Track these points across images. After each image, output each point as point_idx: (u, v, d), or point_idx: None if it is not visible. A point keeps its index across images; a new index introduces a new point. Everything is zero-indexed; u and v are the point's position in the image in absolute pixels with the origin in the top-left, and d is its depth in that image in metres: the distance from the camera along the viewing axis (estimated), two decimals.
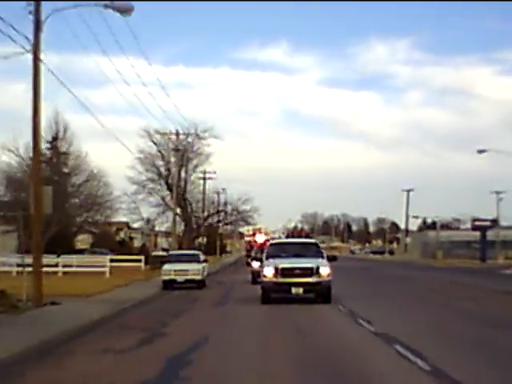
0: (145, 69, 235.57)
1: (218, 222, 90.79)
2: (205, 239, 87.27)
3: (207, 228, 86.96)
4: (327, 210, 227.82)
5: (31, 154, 25.47)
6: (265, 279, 23.17)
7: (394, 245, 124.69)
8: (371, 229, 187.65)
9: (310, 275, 22.76)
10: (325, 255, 24.76)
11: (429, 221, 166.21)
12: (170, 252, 39.99)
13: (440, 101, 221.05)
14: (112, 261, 45.42)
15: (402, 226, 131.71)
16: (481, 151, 56.19)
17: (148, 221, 79.64)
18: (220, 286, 34.96)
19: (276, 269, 22.91)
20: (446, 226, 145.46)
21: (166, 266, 32.88)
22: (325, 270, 23.00)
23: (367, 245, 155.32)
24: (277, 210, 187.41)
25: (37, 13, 20.05)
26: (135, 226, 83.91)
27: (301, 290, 22.83)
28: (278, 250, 25.33)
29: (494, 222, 73.52)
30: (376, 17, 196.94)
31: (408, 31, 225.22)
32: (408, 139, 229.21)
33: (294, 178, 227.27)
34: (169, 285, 31.89)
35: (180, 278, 32.20)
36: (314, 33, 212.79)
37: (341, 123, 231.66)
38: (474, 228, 77.65)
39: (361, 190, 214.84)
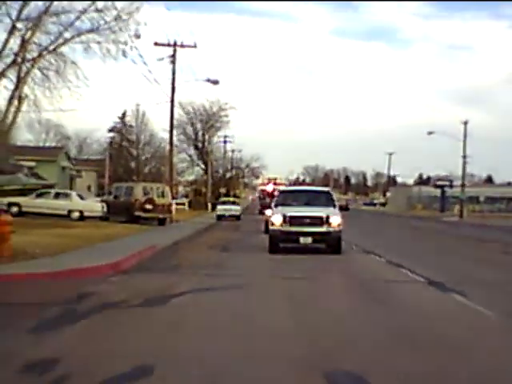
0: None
1: (232, 176, 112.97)
2: (224, 189, 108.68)
3: (225, 180, 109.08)
4: (328, 163, 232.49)
5: None
6: (272, 227, 22.56)
7: (381, 198, 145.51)
8: (369, 182, 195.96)
9: (320, 225, 21.95)
10: (337, 204, 23.71)
11: (424, 176, 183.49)
12: (220, 199, 62.86)
13: (447, 55, 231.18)
14: None
15: (399, 180, 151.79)
16: (430, 133, 76.50)
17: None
18: (248, 219, 56.38)
19: (284, 217, 22.18)
20: (439, 181, 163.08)
21: (219, 207, 55.80)
22: (335, 220, 22.13)
23: (357, 197, 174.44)
24: (279, 161, 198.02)
25: (173, 82, 42.16)
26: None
27: (309, 240, 22.04)
28: (288, 197, 24.54)
29: (451, 182, 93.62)
30: None
31: None
32: (414, 93, 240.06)
33: (297, 130, 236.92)
34: (221, 217, 54.10)
35: (227, 214, 54.73)
36: None
37: (346, 75, 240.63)
38: (436, 186, 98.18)
39: (362, 145, 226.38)
